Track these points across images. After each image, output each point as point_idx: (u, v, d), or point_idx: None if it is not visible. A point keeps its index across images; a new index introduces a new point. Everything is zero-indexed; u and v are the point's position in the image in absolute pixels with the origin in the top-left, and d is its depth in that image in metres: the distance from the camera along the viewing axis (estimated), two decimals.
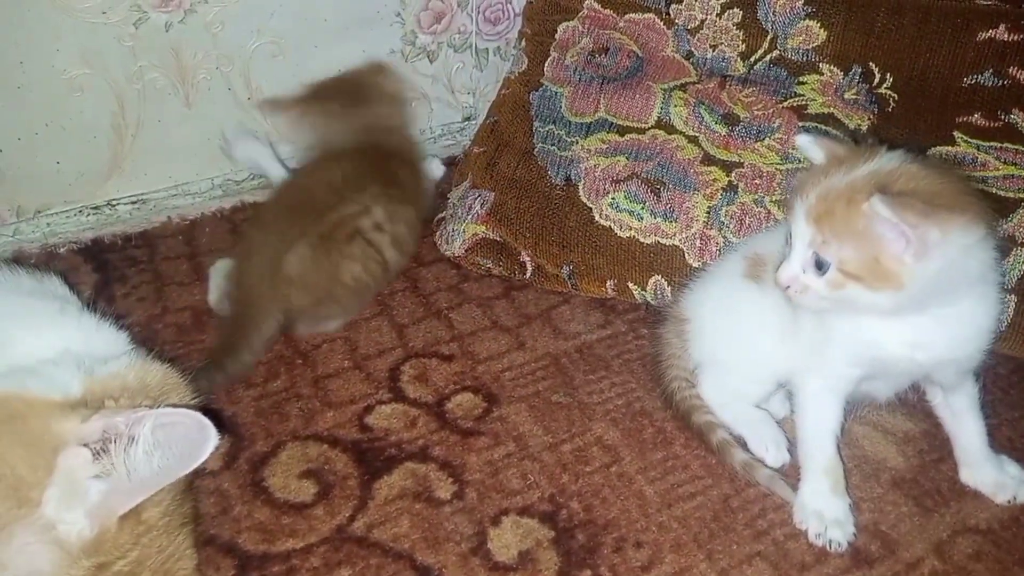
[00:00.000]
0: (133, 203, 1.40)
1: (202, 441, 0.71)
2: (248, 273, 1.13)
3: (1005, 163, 1.17)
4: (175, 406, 0.75)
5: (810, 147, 0.90)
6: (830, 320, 0.92)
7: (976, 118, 1.22)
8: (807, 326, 0.94)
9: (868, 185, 0.82)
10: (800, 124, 1.23)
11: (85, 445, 0.72)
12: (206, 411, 0.73)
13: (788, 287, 0.88)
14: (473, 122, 1.63)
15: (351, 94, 1.35)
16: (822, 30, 1.27)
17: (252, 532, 0.92)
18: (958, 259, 0.82)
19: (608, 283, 1.23)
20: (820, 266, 0.86)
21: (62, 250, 1.32)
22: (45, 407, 0.73)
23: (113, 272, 1.27)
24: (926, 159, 0.89)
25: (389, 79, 1.41)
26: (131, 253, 1.30)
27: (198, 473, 0.92)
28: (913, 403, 1.08)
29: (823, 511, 0.93)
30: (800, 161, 1.20)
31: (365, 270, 1.19)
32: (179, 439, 0.71)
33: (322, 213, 1.17)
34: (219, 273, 1.22)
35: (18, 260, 1.28)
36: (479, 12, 1.55)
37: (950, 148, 1.20)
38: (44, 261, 1.29)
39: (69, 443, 0.72)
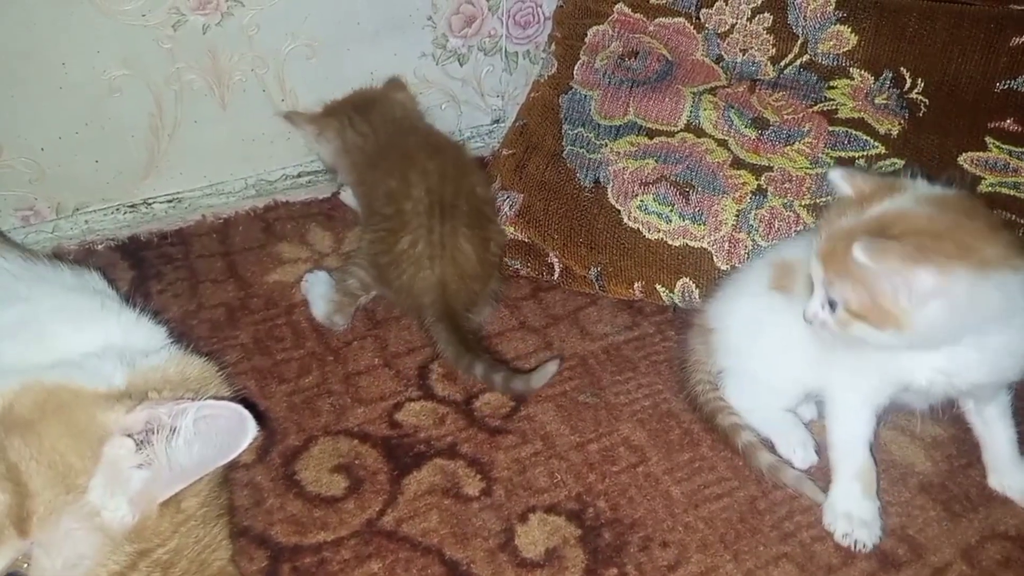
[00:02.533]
0: (169, 202, 1.42)
1: (241, 433, 0.73)
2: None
3: None
4: (216, 398, 0.78)
5: (840, 182, 0.90)
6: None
7: (1008, 123, 1.21)
8: (840, 348, 0.92)
9: (864, 228, 0.82)
10: (830, 129, 1.23)
11: (129, 435, 0.74)
12: (244, 403, 0.75)
13: (811, 322, 0.89)
14: (502, 125, 1.64)
15: (363, 103, 1.38)
16: (853, 35, 1.27)
17: (284, 524, 0.94)
18: (970, 300, 0.79)
19: (636, 285, 1.24)
20: (832, 304, 0.86)
21: (99, 247, 1.35)
22: (91, 398, 0.76)
23: (149, 269, 1.30)
24: (958, 195, 0.88)
25: (399, 88, 1.44)
26: (166, 251, 1.33)
27: (232, 466, 0.94)
28: (942, 408, 1.08)
29: (852, 512, 0.94)
30: (830, 166, 1.20)
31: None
32: (219, 430, 0.73)
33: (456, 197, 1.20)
34: (318, 285, 1.23)
35: (57, 256, 1.31)
36: (509, 16, 1.56)
37: (981, 154, 1.20)
38: (82, 257, 1.32)
39: (114, 433, 0.74)
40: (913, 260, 0.77)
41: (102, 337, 0.86)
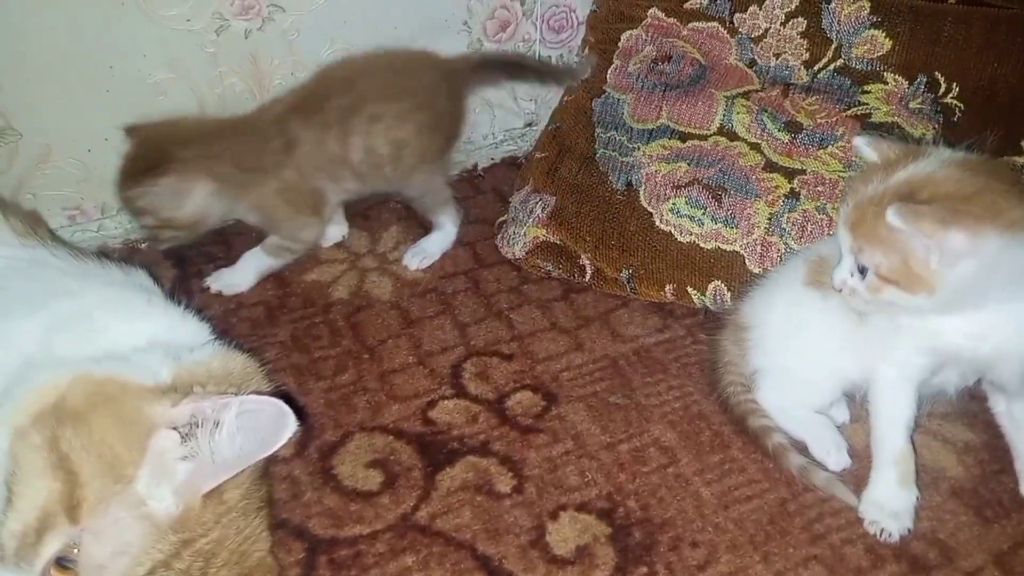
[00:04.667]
0: None
1: (282, 427, 0.75)
2: None
3: None
4: (259, 393, 0.80)
5: (865, 148, 0.93)
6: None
7: None
8: (875, 319, 0.95)
9: (894, 193, 0.84)
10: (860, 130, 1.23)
11: (175, 428, 0.77)
12: (285, 398, 0.78)
13: (840, 290, 0.91)
14: (535, 128, 1.66)
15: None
16: (887, 39, 1.27)
17: (321, 517, 0.96)
18: (998, 261, 0.82)
19: (667, 287, 1.25)
20: (862, 270, 0.88)
21: (143, 246, 1.39)
22: (138, 391, 0.78)
23: (191, 267, 1.33)
24: (981, 159, 0.90)
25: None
26: (208, 250, 1.36)
27: (272, 460, 0.96)
28: (974, 413, 1.08)
29: (884, 501, 0.95)
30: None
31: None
32: (261, 425, 0.75)
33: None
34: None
35: (103, 254, 1.36)
36: (543, 20, 1.58)
37: (1018, 158, 1.19)
38: (126, 256, 1.35)
39: (160, 425, 0.76)
40: (945, 223, 0.79)
41: (149, 332, 0.89)
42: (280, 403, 0.76)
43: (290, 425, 0.75)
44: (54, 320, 0.86)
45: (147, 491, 0.74)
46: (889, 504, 0.95)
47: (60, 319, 0.87)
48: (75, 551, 0.71)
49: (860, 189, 0.88)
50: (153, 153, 1.19)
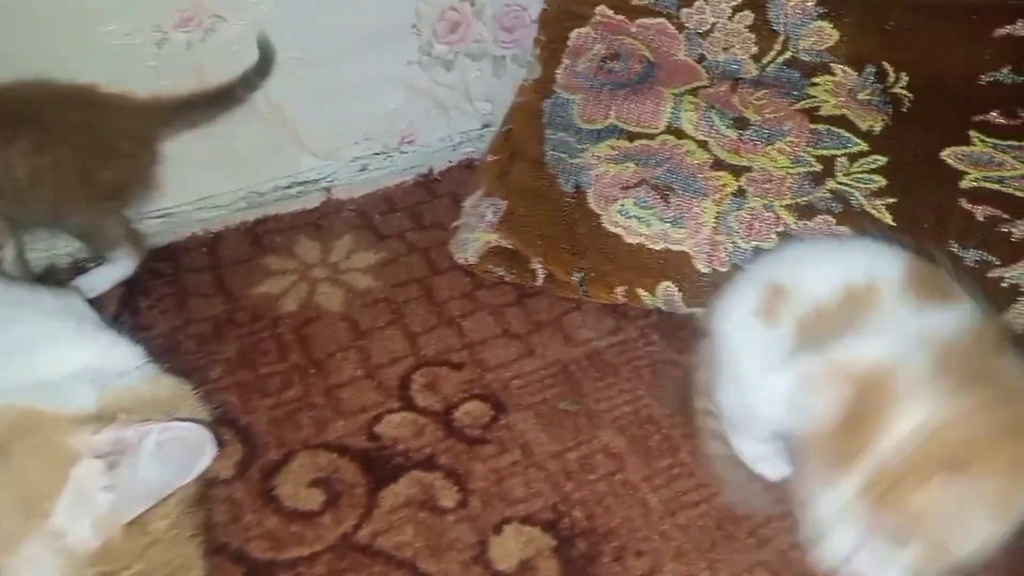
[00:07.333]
0: (160, 217, 1.44)
1: (201, 453, 0.74)
2: None
3: (1022, 163, 1.15)
4: (182, 419, 0.79)
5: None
6: None
7: (993, 116, 1.19)
8: None
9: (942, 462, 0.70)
10: (811, 127, 1.22)
11: (97, 457, 0.75)
12: (220, 422, 0.77)
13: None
14: (492, 129, 1.64)
15: None
16: (835, 30, 1.25)
17: (261, 540, 0.95)
18: None
19: (618, 289, 1.23)
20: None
21: (91, 265, 1.37)
22: (61, 421, 0.77)
23: (138, 285, 1.32)
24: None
25: None
26: (155, 266, 1.34)
27: (211, 483, 0.96)
28: None
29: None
30: (811, 165, 1.19)
31: None
32: (181, 450, 0.74)
33: None
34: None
35: (51, 272, 1.35)
36: (495, 20, 1.56)
37: (965, 148, 1.18)
38: (75, 274, 1.33)
39: (83, 455, 0.75)
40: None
41: (78, 359, 0.88)
42: (200, 428, 0.75)
43: (209, 451, 0.75)
44: None
45: (66, 524, 0.73)
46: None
47: None
48: None
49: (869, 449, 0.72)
50: None
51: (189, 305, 1.28)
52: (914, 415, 0.73)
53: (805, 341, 0.85)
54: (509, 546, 0.94)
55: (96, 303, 1.21)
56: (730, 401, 0.97)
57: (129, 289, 1.31)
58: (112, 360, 0.90)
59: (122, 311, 1.25)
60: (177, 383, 0.90)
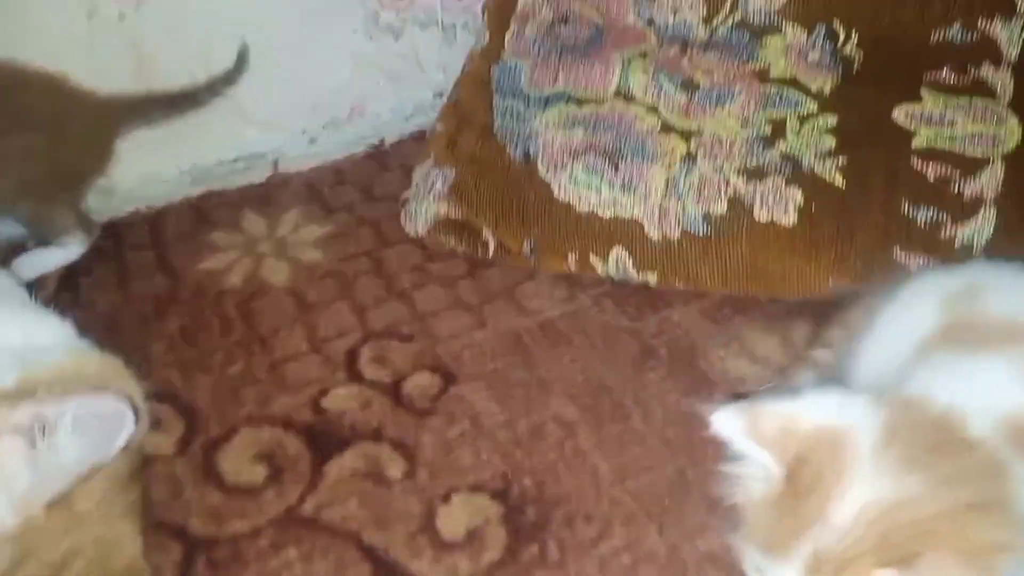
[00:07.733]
0: (102, 194, 1.40)
1: (120, 427, 0.71)
2: None
3: (973, 120, 1.14)
4: (102, 394, 0.76)
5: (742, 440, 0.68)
6: None
7: (944, 73, 1.18)
8: None
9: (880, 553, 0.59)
10: (761, 89, 1.20)
11: (17, 434, 0.72)
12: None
13: None
14: (444, 98, 1.61)
15: None
16: None
17: (202, 516, 0.92)
18: None
19: (569, 257, 1.21)
20: None
21: (30, 242, 1.33)
22: None
23: (77, 263, 1.28)
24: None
25: None
26: (97, 243, 1.30)
27: (150, 460, 0.93)
28: None
29: None
30: (760, 128, 1.18)
31: None
32: (99, 426, 0.71)
33: None
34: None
35: None
36: None
37: (916, 106, 1.17)
38: (13, 252, 1.29)
39: (1, 432, 0.72)
40: None
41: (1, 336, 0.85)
42: (119, 401, 0.72)
43: (128, 424, 0.72)
44: None
45: None
46: None
47: None
48: None
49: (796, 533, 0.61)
50: None
51: (131, 282, 1.25)
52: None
53: None
54: (457, 515, 0.92)
55: (35, 281, 1.18)
56: None
57: (69, 267, 1.27)
58: (38, 338, 0.87)
59: (61, 289, 1.21)
60: (107, 359, 0.86)
